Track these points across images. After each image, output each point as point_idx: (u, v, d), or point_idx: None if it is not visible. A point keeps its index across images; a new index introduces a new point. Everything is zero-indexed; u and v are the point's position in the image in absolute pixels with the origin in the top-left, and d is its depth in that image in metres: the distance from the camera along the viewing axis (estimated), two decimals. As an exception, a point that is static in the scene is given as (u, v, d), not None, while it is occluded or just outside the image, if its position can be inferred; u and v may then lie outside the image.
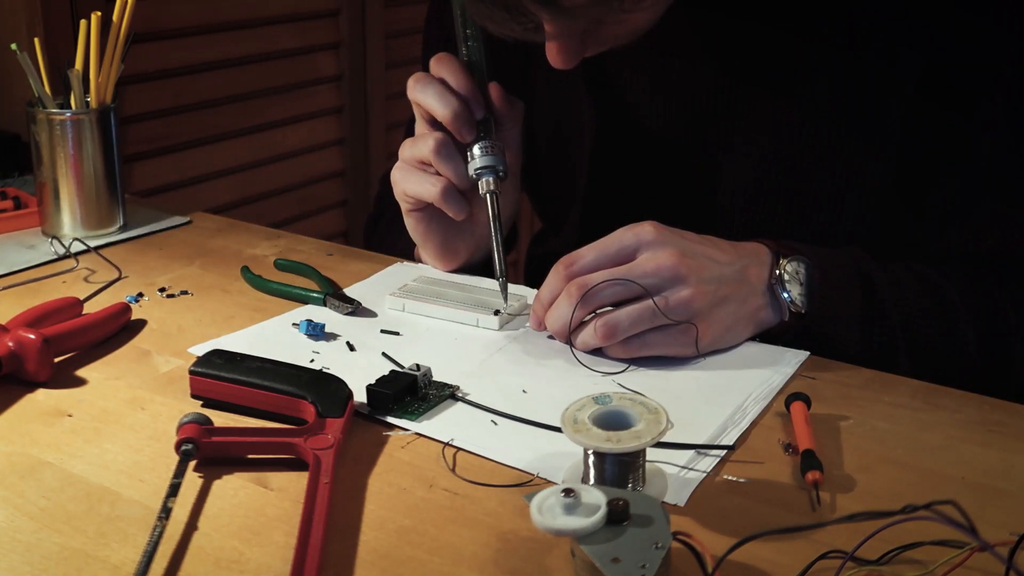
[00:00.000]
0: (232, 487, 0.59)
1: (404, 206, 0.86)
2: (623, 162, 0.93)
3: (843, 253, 0.79)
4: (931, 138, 0.82)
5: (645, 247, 0.72)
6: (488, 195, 0.81)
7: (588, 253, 0.73)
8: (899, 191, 0.84)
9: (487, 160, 0.81)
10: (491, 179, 0.81)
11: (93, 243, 0.97)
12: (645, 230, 0.73)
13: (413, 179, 0.83)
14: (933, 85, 0.81)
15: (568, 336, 0.73)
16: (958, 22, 0.80)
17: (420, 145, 0.82)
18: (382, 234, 1.03)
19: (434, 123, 0.83)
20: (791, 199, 0.86)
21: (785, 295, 0.75)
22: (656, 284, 0.71)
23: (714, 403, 0.68)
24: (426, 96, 0.82)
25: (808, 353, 0.75)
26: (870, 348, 0.76)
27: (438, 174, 0.82)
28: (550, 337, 0.76)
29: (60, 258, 0.95)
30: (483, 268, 0.89)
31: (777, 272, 0.75)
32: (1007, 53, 0.79)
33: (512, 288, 0.82)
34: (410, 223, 0.87)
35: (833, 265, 0.76)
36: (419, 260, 0.94)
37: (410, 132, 0.88)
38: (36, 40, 1.00)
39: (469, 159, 0.82)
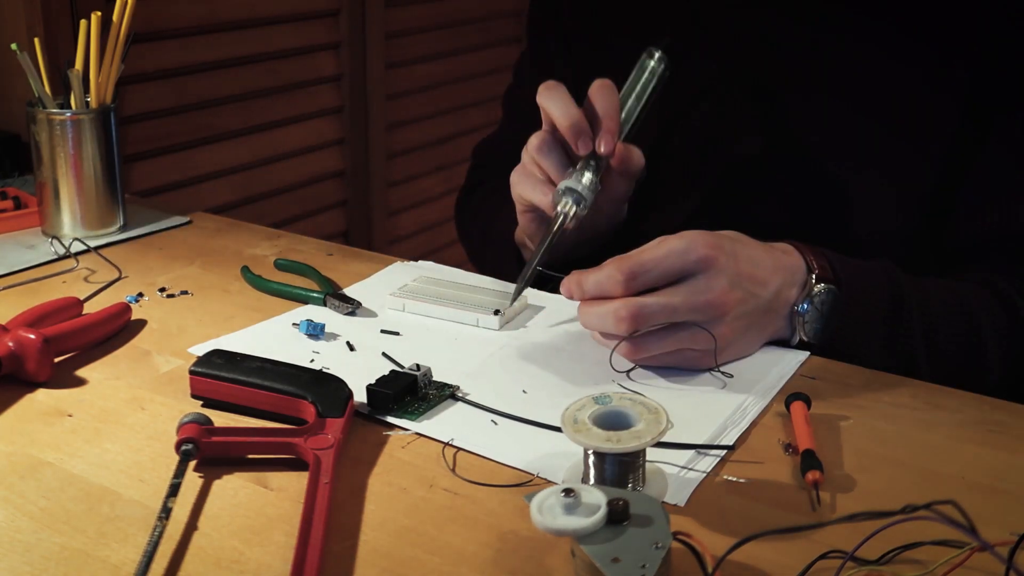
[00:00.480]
0: (232, 487, 0.59)
1: (517, 206, 0.86)
2: (669, 160, 0.93)
3: (877, 271, 0.78)
4: (975, 153, 0.83)
5: (702, 272, 0.70)
6: (557, 215, 0.79)
7: (651, 268, 0.70)
8: (939, 198, 0.85)
9: (576, 184, 0.78)
10: (570, 202, 0.78)
11: (93, 243, 0.97)
12: (707, 256, 0.70)
13: (527, 184, 0.82)
14: (980, 100, 0.82)
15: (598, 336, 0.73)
16: (1007, 37, 0.81)
17: (532, 139, 0.82)
18: (480, 201, 1.01)
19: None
20: (833, 200, 0.86)
21: (800, 330, 0.75)
22: (698, 318, 0.70)
23: (714, 403, 0.68)
24: (551, 102, 0.80)
25: (808, 353, 0.75)
26: (891, 367, 0.75)
27: (550, 182, 0.81)
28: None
29: (60, 258, 0.95)
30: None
31: (804, 306, 0.74)
32: None
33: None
34: (522, 222, 0.88)
35: (863, 291, 0.76)
36: (522, 245, 0.93)
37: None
38: (36, 40, 1.00)
39: (564, 176, 0.80)
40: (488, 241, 1.00)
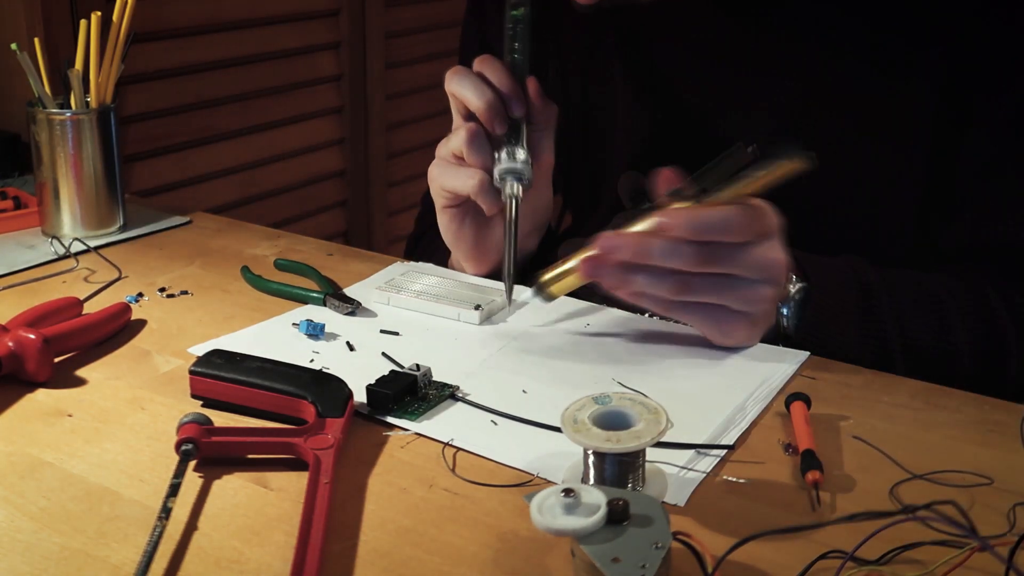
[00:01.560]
0: (232, 487, 0.59)
1: (439, 202, 0.86)
2: (652, 154, 0.93)
3: (842, 264, 0.79)
4: (954, 148, 0.83)
5: (768, 239, 0.70)
6: (509, 200, 0.80)
7: (727, 215, 0.68)
8: (919, 196, 0.85)
9: (513, 164, 0.80)
10: (515, 183, 0.80)
11: (93, 243, 0.97)
12: (774, 222, 0.70)
13: (450, 173, 0.83)
14: (957, 85, 0.81)
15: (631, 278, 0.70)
16: (979, 19, 0.81)
17: (454, 138, 0.82)
18: (423, 251, 1.03)
19: (469, 117, 0.83)
20: (812, 199, 0.86)
21: (784, 323, 0.76)
22: (757, 277, 0.70)
23: (714, 403, 0.68)
24: (462, 87, 0.81)
25: (808, 353, 0.75)
26: (866, 357, 0.76)
27: (474, 168, 0.82)
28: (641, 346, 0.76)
29: (60, 258, 0.95)
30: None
31: (787, 302, 0.75)
32: None
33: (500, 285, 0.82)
34: (443, 221, 0.87)
35: (831, 282, 0.76)
36: (453, 267, 0.93)
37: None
38: (36, 40, 1.00)
39: (496, 162, 0.81)
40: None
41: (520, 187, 0.80)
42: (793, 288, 0.75)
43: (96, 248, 0.96)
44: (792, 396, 0.66)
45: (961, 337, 0.79)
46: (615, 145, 0.95)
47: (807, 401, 0.66)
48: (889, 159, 0.85)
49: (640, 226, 0.71)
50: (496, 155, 0.81)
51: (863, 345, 0.76)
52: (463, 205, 0.85)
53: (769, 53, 0.87)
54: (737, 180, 0.69)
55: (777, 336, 0.76)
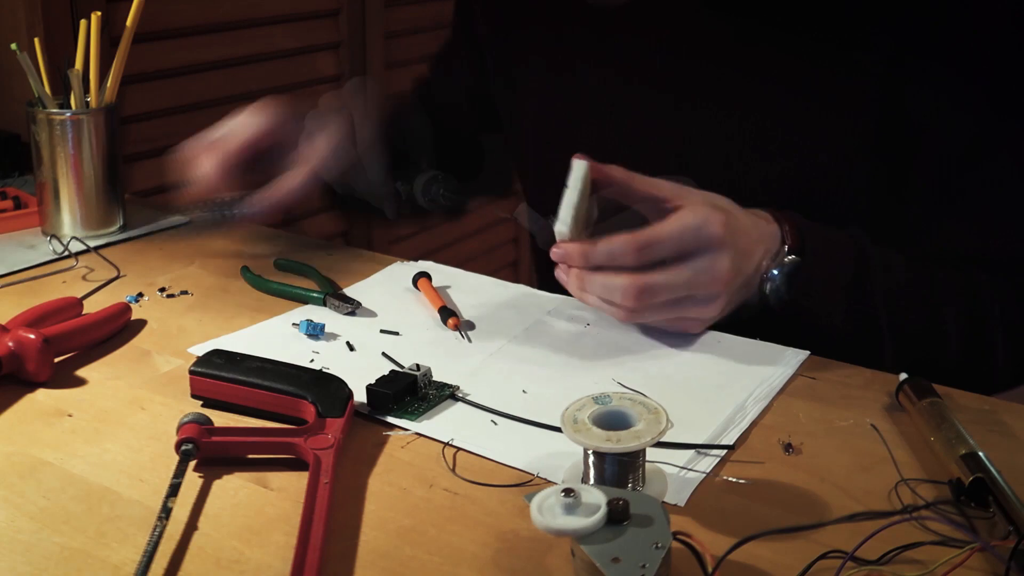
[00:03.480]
0: (232, 487, 0.59)
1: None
2: (597, 137, 0.94)
3: (844, 238, 0.80)
4: (904, 120, 0.83)
5: (710, 251, 0.72)
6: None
7: (665, 243, 0.71)
8: (873, 179, 0.85)
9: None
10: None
11: (93, 243, 0.97)
12: (718, 236, 0.71)
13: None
14: (905, 64, 0.82)
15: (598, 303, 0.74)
16: (919, 11, 0.81)
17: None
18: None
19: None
20: (760, 180, 0.86)
21: (766, 293, 0.76)
22: (699, 293, 0.73)
23: (714, 403, 0.68)
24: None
25: (808, 353, 0.75)
26: (850, 330, 0.77)
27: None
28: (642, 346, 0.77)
29: (60, 258, 0.95)
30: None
31: (774, 272, 0.76)
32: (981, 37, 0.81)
33: None
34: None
35: (829, 252, 0.77)
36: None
37: None
38: (36, 40, 1.00)
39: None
40: None
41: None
42: (787, 260, 0.76)
43: (96, 248, 0.96)
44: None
45: (950, 322, 0.80)
46: (586, 132, 0.95)
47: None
48: (839, 138, 0.85)
49: (602, 248, 0.73)
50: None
51: (849, 317, 0.77)
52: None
53: (720, 41, 0.87)
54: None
55: (760, 303, 0.77)
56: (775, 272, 0.76)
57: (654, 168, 0.77)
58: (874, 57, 0.82)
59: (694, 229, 0.71)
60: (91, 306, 0.82)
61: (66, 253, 0.94)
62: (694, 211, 0.71)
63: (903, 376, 0.68)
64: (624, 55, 0.92)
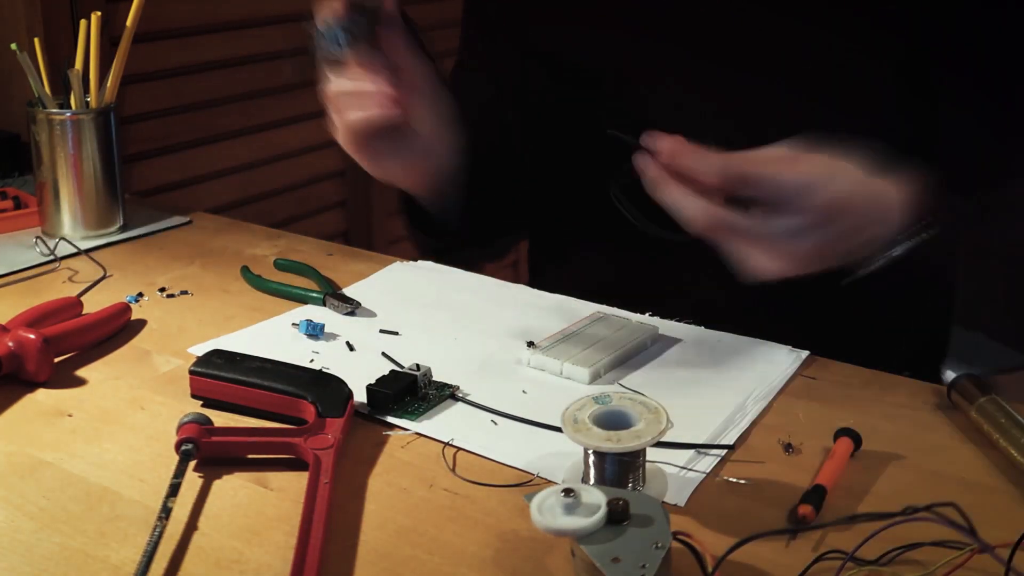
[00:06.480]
0: (232, 487, 0.59)
1: (351, 148, 0.80)
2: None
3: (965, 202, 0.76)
4: (916, 126, 0.83)
5: (800, 215, 0.66)
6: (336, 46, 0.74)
7: (760, 188, 0.66)
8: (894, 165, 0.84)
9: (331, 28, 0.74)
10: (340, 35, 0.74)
11: (93, 243, 0.97)
12: (815, 206, 0.66)
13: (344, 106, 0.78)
14: (916, 71, 0.81)
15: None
16: (939, 8, 0.81)
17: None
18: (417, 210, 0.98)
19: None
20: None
21: (883, 262, 0.71)
22: (769, 250, 0.67)
23: (714, 403, 0.68)
24: None
25: (808, 352, 0.75)
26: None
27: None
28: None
29: (47, 261, 0.94)
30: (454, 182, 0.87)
31: (895, 251, 0.71)
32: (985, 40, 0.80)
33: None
34: (365, 164, 0.82)
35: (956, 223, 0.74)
36: (403, 210, 0.91)
37: None
38: (36, 40, 1.00)
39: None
40: None
41: (342, 36, 0.73)
42: (914, 238, 0.71)
43: (87, 251, 0.95)
44: (842, 431, 0.62)
45: None
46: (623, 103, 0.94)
47: (856, 440, 0.62)
48: (849, 133, 0.84)
49: (692, 158, 0.66)
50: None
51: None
52: (366, 138, 0.79)
53: (728, 32, 0.86)
54: None
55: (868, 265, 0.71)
56: (896, 250, 0.70)
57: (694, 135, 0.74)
58: (886, 61, 0.82)
59: (796, 188, 0.66)
60: (91, 306, 0.82)
61: (52, 257, 0.94)
62: (808, 170, 0.67)
63: (951, 375, 0.67)
64: (655, 21, 0.89)
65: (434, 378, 0.70)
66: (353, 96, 0.76)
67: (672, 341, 0.77)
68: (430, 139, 0.83)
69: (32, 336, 0.70)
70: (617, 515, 0.48)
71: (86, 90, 0.99)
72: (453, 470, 0.60)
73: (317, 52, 0.75)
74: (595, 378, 0.71)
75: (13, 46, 0.96)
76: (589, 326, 0.78)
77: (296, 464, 0.60)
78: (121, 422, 0.66)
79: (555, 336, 0.76)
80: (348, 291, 0.86)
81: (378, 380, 0.67)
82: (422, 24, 1.07)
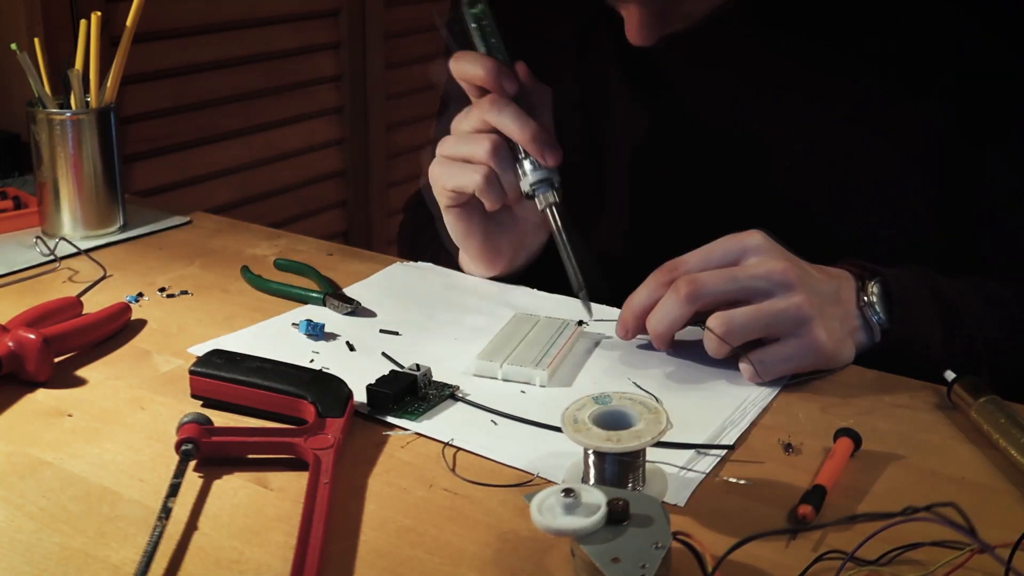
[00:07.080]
0: (232, 487, 0.59)
1: (443, 202, 0.84)
2: (664, 166, 0.92)
3: (911, 270, 0.78)
4: (970, 163, 0.83)
5: (752, 253, 0.71)
6: (548, 208, 0.80)
7: (691, 259, 0.72)
8: (937, 211, 0.85)
9: (541, 173, 0.80)
10: (548, 192, 0.80)
11: (93, 243, 0.97)
12: (753, 237, 0.71)
13: (455, 171, 0.82)
14: (968, 104, 0.82)
15: (672, 338, 0.72)
16: (994, 50, 0.81)
17: (473, 146, 0.81)
18: (423, 248, 1.00)
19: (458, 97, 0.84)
20: (828, 212, 0.85)
21: (875, 317, 0.73)
22: (766, 289, 0.69)
23: (714, 403, 0.68)
24: (461, 63, 0.82)
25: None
26: (954, 357, 0.74)
27: (477, 163, 0.81)
28: (641, 346, 0.76)
29: (55, 259, 0.94)
30: (526, 274, 0.89)
31: (865, 298, 0.73)
32: None
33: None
34: (450, 221, 0.86)
35: (908, 282, 0.75)
36: (462, 269, 0.92)
37: (442, 126, 0.87)
38: (36, 40, 1.00)
39: (521, 175, 0.80)
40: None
41: (556, 194, 0.80)
42: (871, 284, 0.73)
43: (87, 251, 0.95)
44: (841, 431, 0.63)
45: None
46: (615, 148, 0.94)
47: (856, 440, 0.62)
48: (899, 170, 0.84)
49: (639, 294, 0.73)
50: (519, 169, 0.80)
51: (949, 345, 0.75)
52: (469, 203, 0.84)
53: (772, 60, 0.86)
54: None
55: (871, 338, 0.73)
56: (871, 297, 0.73)
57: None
58: (940, 100, 0.82)
59: (722, 241, 0.71)
60: (90, 306, 0.82)
61: (52, 257, 0.94)
62: (726, 237, 0.72)
63: (951, 375, 0.68)
64: (696, 86, 0.90)
65: (434, 378, 0.70)
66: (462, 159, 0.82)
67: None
68: (525, 232, 0.87)
69: (32, 336, 0.70)
70: (617, 515, 0.48)
71: (86, 90, 0.99)
72: (453, 470, 0.60)
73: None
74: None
75: (13, 46, 0.96)
76: (510, 325, 0.78)
77: (296, 464, 0.60)
78: (121, 422, 0.66)
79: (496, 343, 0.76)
80: (348, 291, 0.86)
81: (378, 380, 0.67)
82: (422, 25, 1.07)
